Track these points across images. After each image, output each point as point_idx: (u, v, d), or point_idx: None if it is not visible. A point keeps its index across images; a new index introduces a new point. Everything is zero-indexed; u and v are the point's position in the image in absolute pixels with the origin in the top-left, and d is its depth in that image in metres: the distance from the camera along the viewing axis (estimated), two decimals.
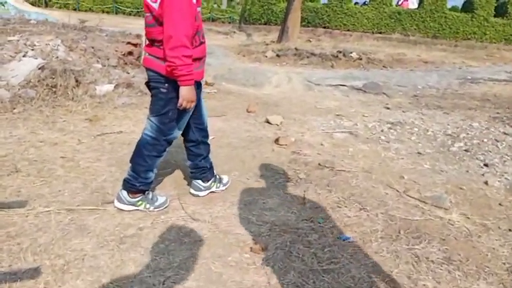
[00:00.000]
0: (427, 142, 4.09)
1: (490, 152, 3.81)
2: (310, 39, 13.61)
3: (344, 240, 2.10)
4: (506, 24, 16.36)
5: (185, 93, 1.96)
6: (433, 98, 6.37)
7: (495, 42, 16.25)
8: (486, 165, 3.47)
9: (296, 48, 10.23)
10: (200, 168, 2.45)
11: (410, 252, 2.02)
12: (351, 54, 9.89)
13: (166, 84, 2.03)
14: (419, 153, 3.72)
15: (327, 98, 6.10)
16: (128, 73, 5.21)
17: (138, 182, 2.19)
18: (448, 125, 4.77)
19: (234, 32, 16.48)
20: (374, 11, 17.46)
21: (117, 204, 2.24)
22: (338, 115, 5.01)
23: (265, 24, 19.63)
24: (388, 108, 5.64)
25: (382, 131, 4.43)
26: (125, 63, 5.46)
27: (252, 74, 7.39)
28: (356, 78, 7.56)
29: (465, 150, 3.84)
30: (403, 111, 5.45)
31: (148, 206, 2.25)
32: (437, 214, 2.45)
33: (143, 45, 2.24)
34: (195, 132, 2.34)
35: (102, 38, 5.70)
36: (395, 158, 3.54)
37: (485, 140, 4.14)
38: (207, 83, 6.11)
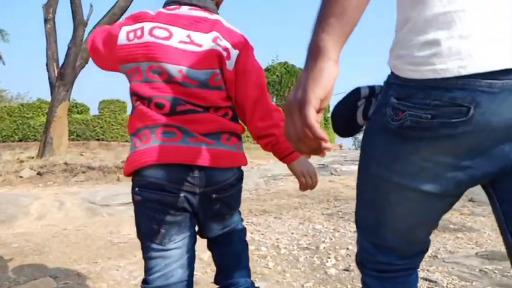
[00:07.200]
0: (292, 268, 2.84)
1: None
2: (83, 153, 11.42)
3: None
4: None
5: (307, 164, 1.31)
6: (251, 201, 5.45)
7: (255, 143, 18.23)
8: None
9: (66, 163, 7.97)
10: None
11: None
12: None
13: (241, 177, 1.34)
14: None
15: (126, 223, 4.20)
16: None
17: None
18: (292, 233, 3.76)
19: None
20: None
21: None
22: None
23: (20, 141, 16.13)
24: None
25: None
26: None
27: None
28: None
29: (346, 270, 2.76)
30: None
31: None
32: None
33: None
34: None
35: None
36: None
37: (350, 247, 3.25)
38: None
